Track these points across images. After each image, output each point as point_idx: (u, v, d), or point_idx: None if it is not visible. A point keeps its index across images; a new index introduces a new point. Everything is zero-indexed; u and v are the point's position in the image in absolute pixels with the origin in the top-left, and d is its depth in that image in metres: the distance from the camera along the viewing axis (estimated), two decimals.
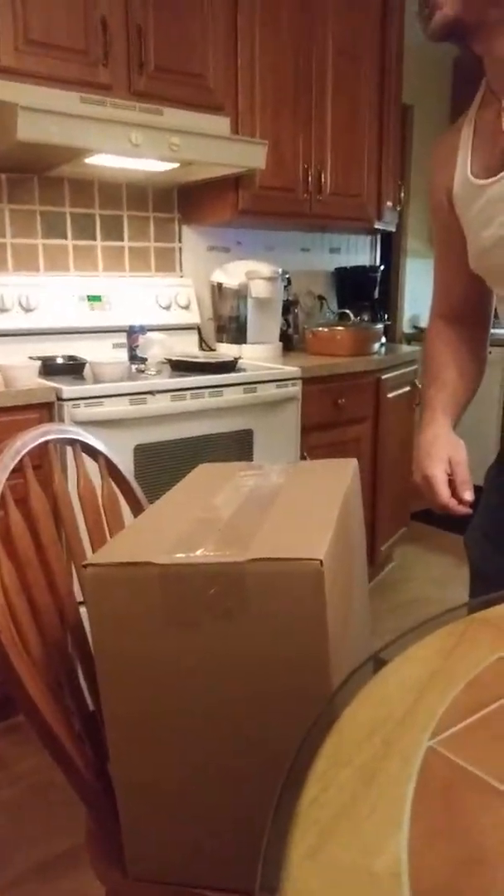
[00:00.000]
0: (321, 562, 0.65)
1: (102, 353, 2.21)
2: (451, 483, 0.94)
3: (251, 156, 2.13)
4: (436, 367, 1.07)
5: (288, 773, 0.49)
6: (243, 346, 2.44)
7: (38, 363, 1.80)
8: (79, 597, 0.94)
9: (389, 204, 2.80)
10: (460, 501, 0.93)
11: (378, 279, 3.07)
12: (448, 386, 1.05)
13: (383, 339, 2.71)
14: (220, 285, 2.49)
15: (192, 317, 2.51)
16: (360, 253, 3.21)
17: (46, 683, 0.79)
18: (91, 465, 1.04)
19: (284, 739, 0.53)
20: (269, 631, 0.67)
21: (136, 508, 1.09)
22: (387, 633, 0.68)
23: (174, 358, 2.11)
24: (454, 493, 0.93)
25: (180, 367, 2.07)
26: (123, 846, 0.79)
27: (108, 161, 1.98)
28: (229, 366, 2.07)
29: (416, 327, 4.15)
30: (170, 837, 0.77)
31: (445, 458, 0.96)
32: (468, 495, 0.93)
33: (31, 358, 1.99)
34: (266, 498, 0.87)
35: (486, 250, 0.93)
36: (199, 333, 2.56)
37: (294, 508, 0.83)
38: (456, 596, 2.58)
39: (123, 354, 2.24)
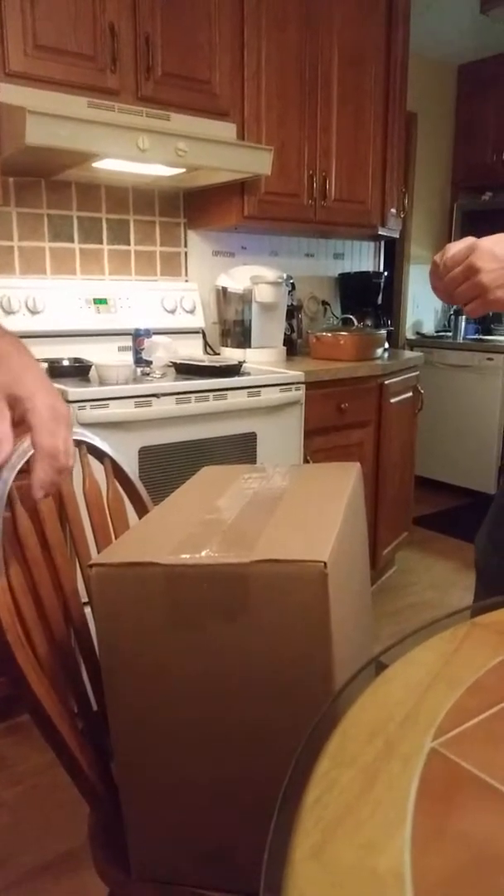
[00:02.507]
0: (325, 564, 0.65)
1: (108, 356, 2.22)
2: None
3: (257, 162, 2.14)
4: None
5: (291, 774, 0.49)
6: (247, 350, 2.45)
7: (45, 365, 1.81)
8: (84, 597, 0.95)
9: (393, 211, 2.81)
10: None
11: (381, 285, 3.08)
12: None
13: (386, 345, 2.72)
14: (224, 290, 2.50)
15: (197, 321, 2.52)
16: (364, 259, 3.22)
17: (51, 683, 0.79)
18: (97, 467, 1.04)
19: (288, 740, 0.53)
20: (273, 632, 0.68)
21: (141, 509, 1.10)
22: (388, 638, 0.69)
23: (179, 361, 2.11)
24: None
25: (185, 370, 2.08)
26: (127, 846, 0.79)
27: (115, 165, 1.99)
28: (233, 369, 2.08)
29: (418, 333, 4.16)
30: (174, 837, 0.77)
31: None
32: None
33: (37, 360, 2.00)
34: (270, 500, 0.88)
35: None
36: (204, 337, 2.57)
37: (298, 511, 0.83)
38: (457, 600, 2.58)
39: (129, 357, 2.25)
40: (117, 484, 1.08)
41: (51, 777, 1.60)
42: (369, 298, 3.05)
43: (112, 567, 0.70)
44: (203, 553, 0.70)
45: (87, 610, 0.94)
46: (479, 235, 0.96)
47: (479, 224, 3.97)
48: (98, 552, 0.96)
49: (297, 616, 0.67)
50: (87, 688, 0.91)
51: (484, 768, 0.47)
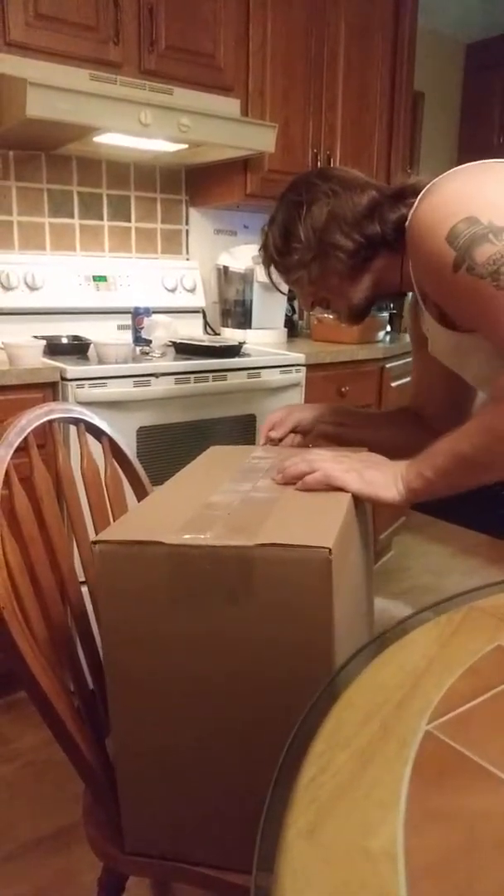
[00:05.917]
0: (330, 550, 0.65)
1: (107, 334, 2.21)
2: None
3: (260, 139, 2.11)
4: None
5: (286, 753, 0.49)
6: (248, 330, 2.43)
7: (43, 342, 1.80)
8: (80, 576, 0.95)
9: None
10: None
11: None
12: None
13: (388, 328, 2.70)
14: (226, 269, 2.48)
15: (198, 300, 2.50)
16: None
17: (48, 660, 0.79)
18: (94, 446, 1.04)
19: (284, 721, 0.53)
20: (275, 615, 0.68)
21: (139, 489, 1.09)
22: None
23: (179, 341, 2.10)
24: None
25: (185, 350, 2.06)
26: (121, 822, 0.80)
27: (116, 140, 1.96)
28: (234, 350, 2.06)
29: None
30: (167, 814, 0.78)
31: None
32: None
33: (35, 337, 1.98)
34: (276, 484, 0.87)
35: None
36: (204, 317, 2.55)
37: (304, 495, 0.83)
38: (453, 585, 2.59)
39: (128, 336, 2.23)
40: (115, 463, 1.08)
41: (47, 754, 1.61)
42: None
43: (116, 544, 0.70)
44: (207, 534, 0.70)
45: (84, 589, 0.94)
46: None
47: None
48: (95, 531, 0.96)
49: (300, 600, 0.67)
50: (83, 666, 0.92)
51: (477, 751, 0.47)
